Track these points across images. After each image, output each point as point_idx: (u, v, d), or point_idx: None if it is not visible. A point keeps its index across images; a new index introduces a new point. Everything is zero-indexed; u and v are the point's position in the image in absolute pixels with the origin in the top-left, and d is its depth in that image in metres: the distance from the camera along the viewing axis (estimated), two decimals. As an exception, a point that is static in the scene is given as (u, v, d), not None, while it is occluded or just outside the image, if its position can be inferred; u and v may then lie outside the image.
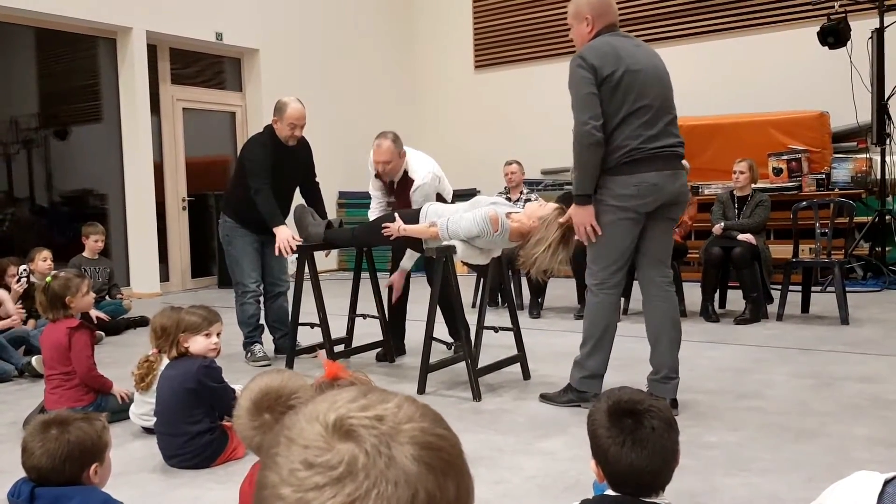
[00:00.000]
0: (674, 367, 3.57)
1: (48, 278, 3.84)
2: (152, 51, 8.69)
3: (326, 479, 0.62)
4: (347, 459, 0.62)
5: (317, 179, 5.27)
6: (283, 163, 4.90)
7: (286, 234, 4.67)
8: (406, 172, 4.75)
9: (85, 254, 6.55)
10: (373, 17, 11.27)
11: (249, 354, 5.01)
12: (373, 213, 4.96)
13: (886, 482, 1.22)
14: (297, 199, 5.14)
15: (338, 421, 0.66)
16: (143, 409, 3.49)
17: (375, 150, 4.67)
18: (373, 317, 4.88)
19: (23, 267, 5.79)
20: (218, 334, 3.29)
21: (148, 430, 3.44)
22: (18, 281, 5.57)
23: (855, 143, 8.45)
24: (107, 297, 6.55)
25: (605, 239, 3.54)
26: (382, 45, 11.41)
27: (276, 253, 4.73)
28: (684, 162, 3.73)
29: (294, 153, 4.98)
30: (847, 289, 5.88)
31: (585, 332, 3.67)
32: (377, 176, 4.87)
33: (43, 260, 5.91)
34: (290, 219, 4.88)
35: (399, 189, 4.81)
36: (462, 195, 5.69)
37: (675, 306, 3.65)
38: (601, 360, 3.65)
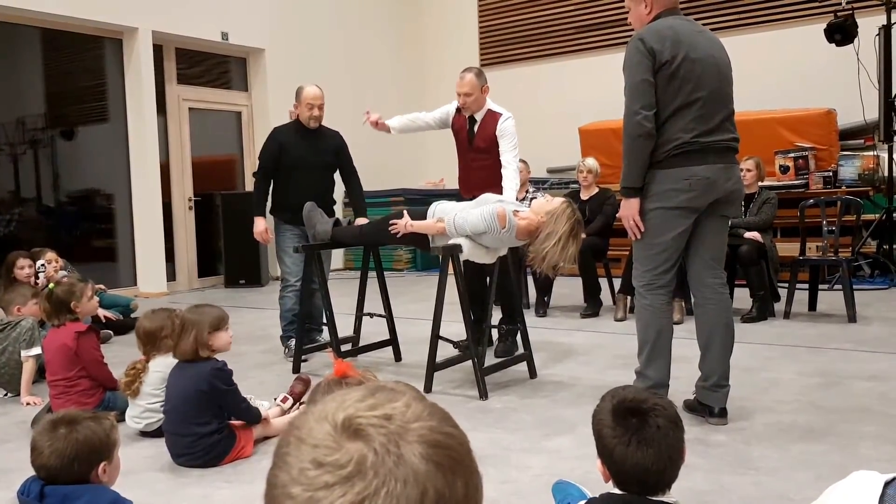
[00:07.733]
0: (725, 375, 3.37)
1: (51, 285, 3.83)
2: (158, 51, 8.72)
3: (336, 477, 0.62)
4: (356, 458, 0.63)
5: (357, 174, 5.38)
6: (307, 148, 5.06)
7: (258, 228, 5.13)
8: (490, 110, 4.84)
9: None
10: (378, 16, 11.27)
11: (287, 350, 5.04)
12: (400, 118, 5.19)
13: (887, 483, 1.21)
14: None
15: (346, 420, 0.66)
16: (134, 412, 3.49)
17: (458, 82, 4.76)
18: (380, 315, 4.88)
19: (40, 262, 5.60)
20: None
21: (143, 434, 3.45)
22: (37, 277, 5.49)
23: (862, 141, 8.42)
24: None
25: (650, 238, 3.34)
26: (388, 43, 11.41)
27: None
28: None
29: (319, 139, 5.14)
30: (854, 287, 5.85)
31: (639, 338, 3.44)
32: (459, 110, 4.90)
33: (48, 262, 5.64)
34: (339, 206, 5.20)
35: (480, 130, 4.84)
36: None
37: (728, 310, 3.42)
38: (662, 368, 3.38)
